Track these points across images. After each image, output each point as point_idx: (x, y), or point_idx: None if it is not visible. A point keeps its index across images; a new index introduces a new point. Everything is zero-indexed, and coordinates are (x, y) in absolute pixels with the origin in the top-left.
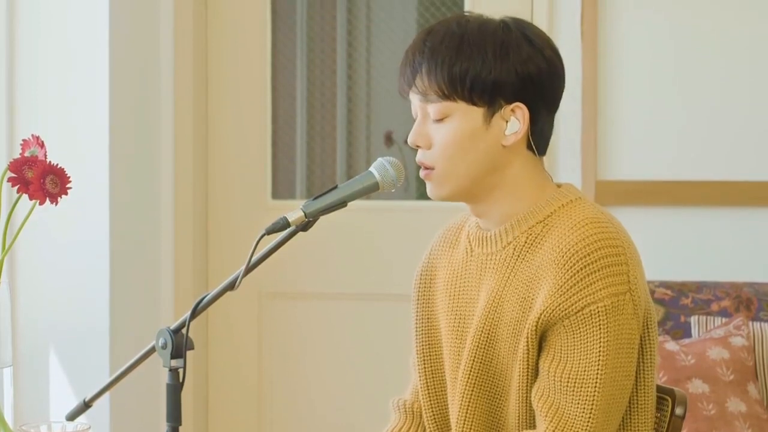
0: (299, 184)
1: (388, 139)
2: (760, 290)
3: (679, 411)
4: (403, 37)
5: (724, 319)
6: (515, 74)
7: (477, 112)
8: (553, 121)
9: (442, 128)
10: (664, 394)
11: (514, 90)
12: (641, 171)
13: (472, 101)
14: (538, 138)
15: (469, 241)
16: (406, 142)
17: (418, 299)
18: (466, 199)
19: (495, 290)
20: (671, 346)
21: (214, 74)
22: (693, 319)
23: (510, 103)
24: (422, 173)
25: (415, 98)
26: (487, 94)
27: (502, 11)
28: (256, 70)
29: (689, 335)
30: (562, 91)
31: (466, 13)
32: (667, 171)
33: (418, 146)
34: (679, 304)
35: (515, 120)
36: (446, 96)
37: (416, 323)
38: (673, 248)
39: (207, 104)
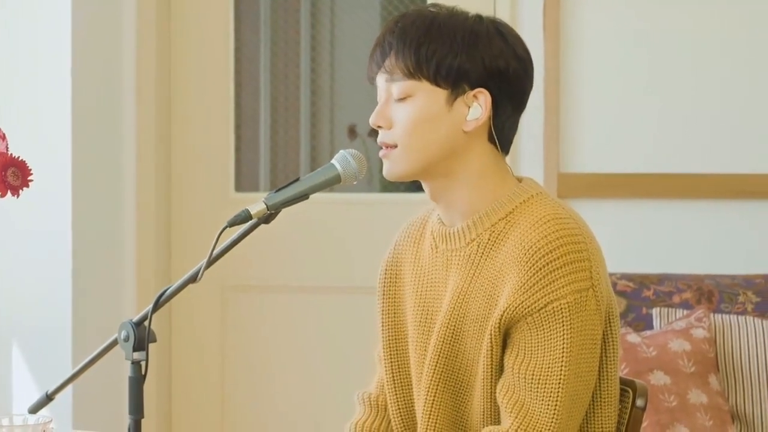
0: (263, 177)
1: (352, 132)
2: (722, 282)
3: (640, 402)
4: (366, 30)
5: (685, 311)
6: (482, 64)
7: (440, 94)
8: (517, 120)
9: (404, 107)
10: (625, 386)
11: (479, 77)
12: (603, 164)
13: (436, 82)
14: (500, 132)
15: (434, 238)
16: (369, 135)
17: (384, 294)
18: (423, 178)
19: (460, 286)
20: (633, 338)
21: (177, 66)
22: (655, 311)
23: (474, 89)
24: (381, 153)
25: (381, 80)
26: (452, 78)
27: (465, 3)
28: (219, 62)
29: (651, 327)
30: (529, 93)
31: (439, 3)
32: (629, 164)
33: (379, 126)
34: (641, 296)
35: (477, 106)
36: (411, 74)
37: (382, 318)
38: (634, 241)
39: (170, 96)
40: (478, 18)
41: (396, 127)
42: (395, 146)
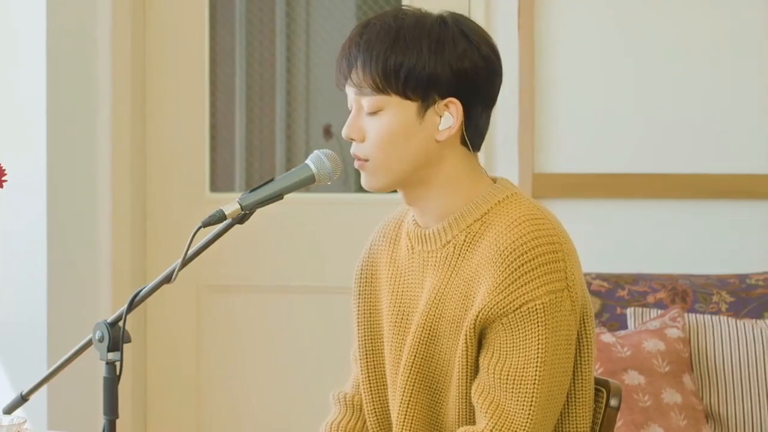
0: (238, 177)
1: (327, 132)
2: (696, 282)
3: (613, 402)
4: (341, 31)
5: (659, 311)
6: (450, 70)
7: (411, 107)
8: (489, 117)
9: (376, 121)
10: (599, 386)
11: (448, 85)
12: (578, 164)
13: (405, 95)
14: (473, 134)
15: (409, 239)
16: None
17: (359, 293)
18: (400, 188)
19: (437, 287)
20: (607, 337)
21: (152, 66)
22: (629, 311)
23: (444, 98)
24: (357, 164)
25: (350, 91)
26: (421, 89)
27: (439, 4)
28: (194, 62)
29: (625, 327)
30: (499, 88)
31: (403, 7)
32: (603, 164)
33: (351, 139)
34: (615, 296)
35: (449, 115)
36: (380, 89)
37: (358, 317)
38: (609, 240)
39: (145, 96)
40: (442, 21)
41: (368, 140)
42: (367, 160)
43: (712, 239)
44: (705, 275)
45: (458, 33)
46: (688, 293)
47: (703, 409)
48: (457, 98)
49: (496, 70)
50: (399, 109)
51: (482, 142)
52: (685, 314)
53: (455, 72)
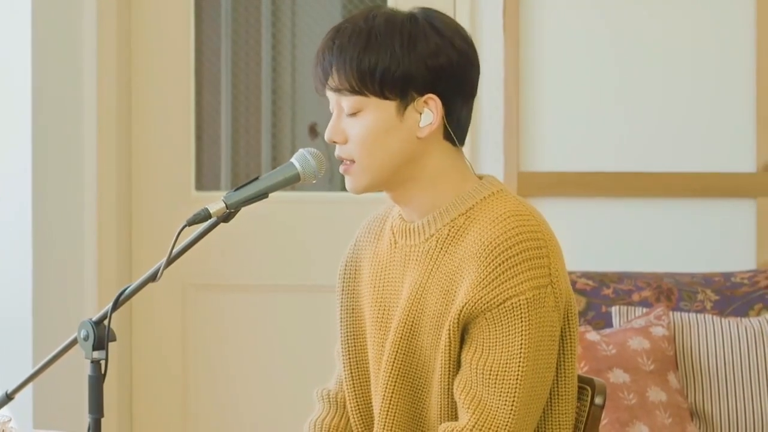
0: (224, 176)
1: (313, 131)
2: (681, 281)
3: (598, 400)
4: (327, 30)
5: (644, 310)
6: (425, 66)
7: (390, 106)
8: (470, 109)
9: (357, 122)
10: (583, 384)
11: (425, 82)
12: (563, 163)
13: (383, 95)
14: (455, 127)
15: (393, 233)
16: None
17: (342, 290)
18: (385, 188)
19: (418, 282)
20: (592, 336)
21: (138, 65)
22: (614, 310)
23: (422, 94)
24: (341, 168)
25: (330, 95)
26: (398, 88)
27: (425, 4)
28: (180, 60)
29: (610, 325)
30: (478, 79)
31: (373, 8)
32: (588, 163)
33: (334, 142)
34: (601, 294)
35: (428, 111)
36: (357, 91)
37: (341, 314)
38: (594, 239)
39: (130, 95)
40: (413, 18)
41: (351, 142)
42: (353, 161)
43: (697, 238)
44: (690, 273)
45: (429, 28)
46: (673, 291)
47: (688, 407)
48: (435, 94)
49: (472, 62)
50: (378, 108)
51: (465, 135)
52: (670, 312)
53: (430, 68)
